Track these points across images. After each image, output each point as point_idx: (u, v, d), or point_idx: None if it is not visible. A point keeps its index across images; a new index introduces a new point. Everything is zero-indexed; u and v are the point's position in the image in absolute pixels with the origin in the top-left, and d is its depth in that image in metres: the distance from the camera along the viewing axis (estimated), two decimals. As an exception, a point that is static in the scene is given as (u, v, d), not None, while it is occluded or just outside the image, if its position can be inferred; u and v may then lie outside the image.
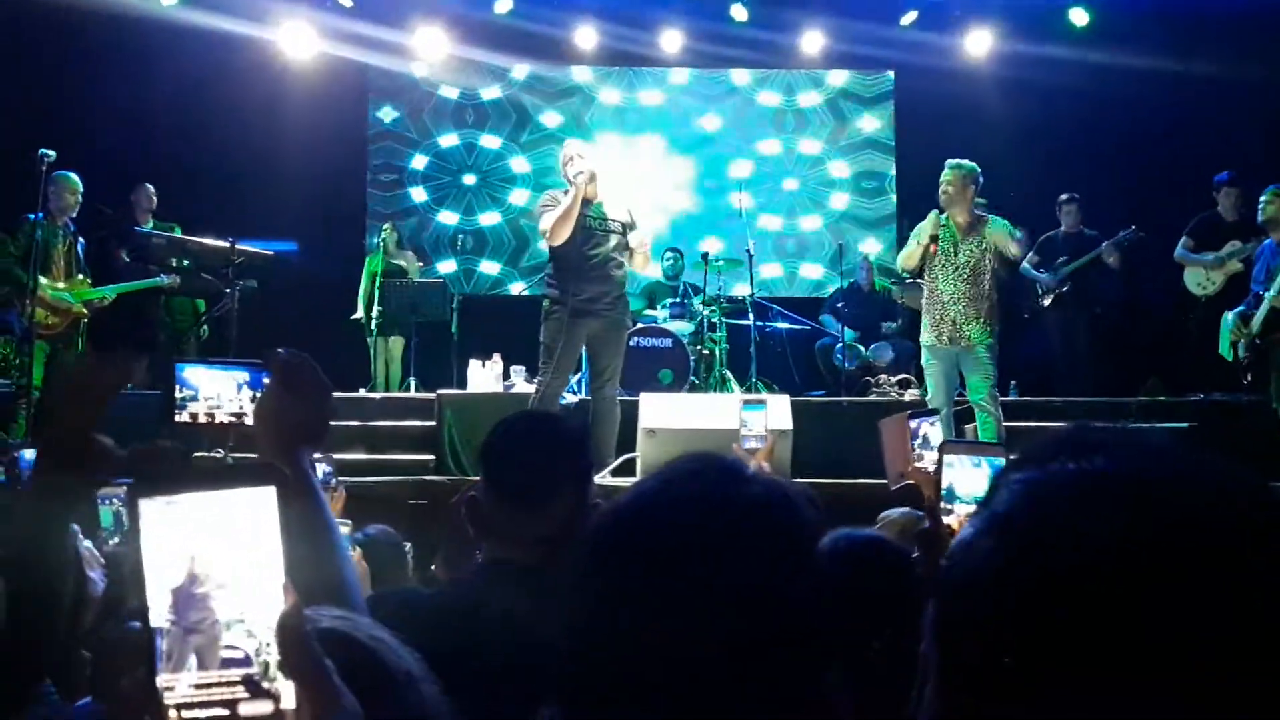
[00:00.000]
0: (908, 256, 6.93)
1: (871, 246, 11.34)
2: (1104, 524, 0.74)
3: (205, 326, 8.76)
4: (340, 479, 4.08)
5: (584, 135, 11.58)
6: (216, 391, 1.45)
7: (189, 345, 8.51)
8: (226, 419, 1.47)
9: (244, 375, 1.48)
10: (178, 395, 1.57)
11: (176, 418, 1.46)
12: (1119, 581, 0.72)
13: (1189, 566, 0.72)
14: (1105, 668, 0.71)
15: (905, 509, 3.00)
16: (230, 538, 0.84)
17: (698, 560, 1.10)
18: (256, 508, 0.85)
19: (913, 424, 2.96)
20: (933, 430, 3.02)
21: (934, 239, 6.77)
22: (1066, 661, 0.72)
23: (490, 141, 11.63)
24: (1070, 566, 0.73)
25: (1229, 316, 7.41)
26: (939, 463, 1.72)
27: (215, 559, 0.84)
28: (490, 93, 11.51)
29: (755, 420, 3.53)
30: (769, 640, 1.09)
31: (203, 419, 1.44)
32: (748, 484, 1.15)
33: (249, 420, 1.46)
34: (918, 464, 2.86)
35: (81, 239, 8.03)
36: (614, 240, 6.51)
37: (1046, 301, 9.31)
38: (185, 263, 8.46)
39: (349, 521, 3.23)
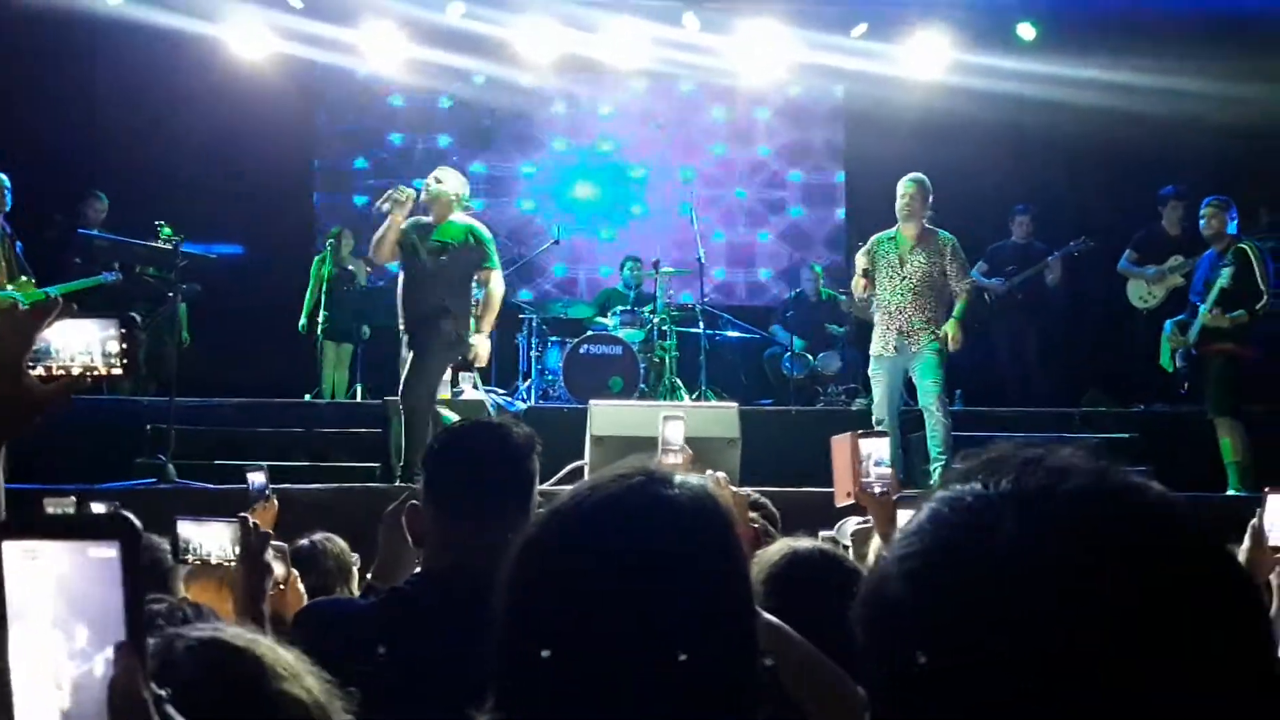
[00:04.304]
0: (854, 287, 7.24)
1: (819, 256, 11.40)
2: (991, 544, 0.74)
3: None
4: (276, 486, 4.01)
5: (534, 140, 11.59)
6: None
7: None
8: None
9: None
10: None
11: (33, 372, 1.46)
12: (1003, 600, 0.72)
13: (1075, 581, 0.71)
14: (995, 684, 0.71)
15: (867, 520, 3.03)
16: (65, 594, 0.80)
17: (625, 565, 1.12)
18: (96, 563, 0.80)
19: (863, 445, 2.97)
20: (882, 448, 3.03)
21: (865, 273, 7.02)
22: (960, 677, 0.72)
23: (441, 145, 11.57)
24: (958, 585, 0.74)
25: (1168, 325, 7.52)
26: (890, 511, 1.74)
27: (43, 614, 0.79)
28: (442, 95, 11.45)
29: (674, 433, 3.53)
30: (699, 642, 1.10)
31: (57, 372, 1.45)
32: (675, 490, 1.18)
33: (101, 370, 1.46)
34: (867, 486, 2.90)
35: (19, 242, 7.89)
36: (445, 260, 6.78)
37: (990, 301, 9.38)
38: (117, 265, 8.31)
39: (284, 547, 3.12)
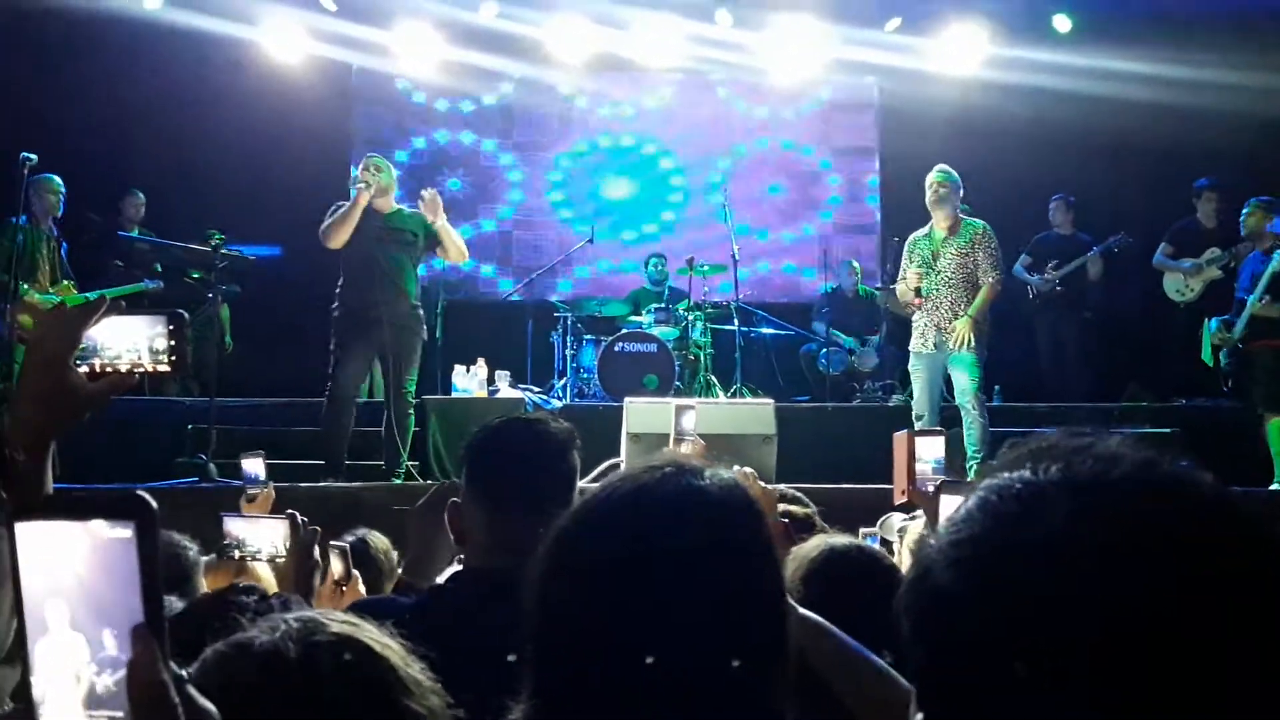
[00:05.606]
0: (902, 293, 7.07)
1: (854, 252, 11.35)
2: (1042, 532, 0.74)
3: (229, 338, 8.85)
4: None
5: (566, 138, 11.60)
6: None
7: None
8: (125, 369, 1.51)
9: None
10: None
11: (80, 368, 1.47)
12: (1052, 587, 0.71)
13: (1127, 570, 0.71)
14: (1045, 674, 0.70)
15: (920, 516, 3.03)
16: (81, 575, 0.79)
17: (655, 554, 1.13)
18: (112, 544, 0.79)
19: (919, 444, 3.00)
20: (936, 447, 3.05)
21: (918, 291, 6.89)
22: (1009, 666, 0.71)
23: (476, 144, 11.61)
24: (1008, 574, 0.73)
25: (1213, 322, 7.43)
26: (935, 500, 1.73)
27: (59, 596, 0.79)
28: (476, 95, 11.48)
29: (688, 423, 3.60)
30: (728, 631, 1.11)
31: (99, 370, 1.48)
32: (705, 481, 1.19)
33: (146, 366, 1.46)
34: (921, 484, 2.92)
35: (65, 243, 7.97)
36: (405, 248, 6.93)
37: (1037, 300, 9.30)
38: (158, 267, 8.40)
39: (344, 547, 3.11)
